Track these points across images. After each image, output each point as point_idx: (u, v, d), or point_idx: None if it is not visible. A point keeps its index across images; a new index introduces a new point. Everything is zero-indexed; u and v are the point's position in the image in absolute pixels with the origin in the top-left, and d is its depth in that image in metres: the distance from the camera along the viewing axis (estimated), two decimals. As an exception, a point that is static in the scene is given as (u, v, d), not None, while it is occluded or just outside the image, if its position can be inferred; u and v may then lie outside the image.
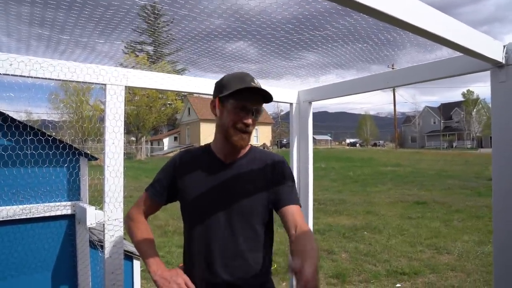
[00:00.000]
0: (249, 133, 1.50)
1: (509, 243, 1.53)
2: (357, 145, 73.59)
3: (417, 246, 6.61)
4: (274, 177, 1.56)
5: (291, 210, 1.50)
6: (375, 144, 73.21)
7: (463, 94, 59.53)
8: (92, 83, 1.91)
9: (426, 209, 10.19)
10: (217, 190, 1.53)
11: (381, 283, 4.92)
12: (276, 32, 1.47)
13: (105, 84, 1.93)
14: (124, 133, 2.05)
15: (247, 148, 1.63)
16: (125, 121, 2.02)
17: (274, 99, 2.58)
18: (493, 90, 1.59)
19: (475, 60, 1.59)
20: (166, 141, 48.19)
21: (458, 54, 1.66)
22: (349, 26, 1.43)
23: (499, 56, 1.51)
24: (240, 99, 1.44)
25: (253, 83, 1.44)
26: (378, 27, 1.60)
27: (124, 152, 2.00)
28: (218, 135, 1.58)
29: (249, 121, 1.46)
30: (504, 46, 1.54)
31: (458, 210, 9.78)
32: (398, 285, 4.84)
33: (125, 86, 1.99)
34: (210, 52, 1.99)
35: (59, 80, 1.81)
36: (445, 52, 1.82)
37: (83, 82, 1.86)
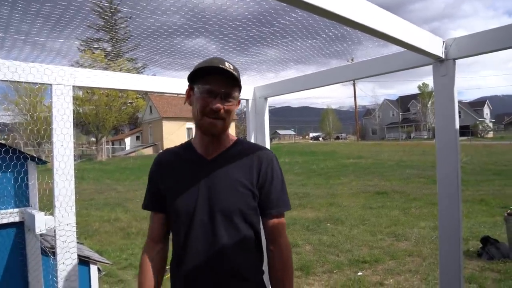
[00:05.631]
0: (222, 119, 1.38)
1: (452, 227, 1.62)
2: (320, 138, 75.04)
3: (377, 234, 6.86)
4: (261, 176, 1.45)
5: (272, 222, 1.48)
6: (337, 137, 75.00)
7: (419, 87, 62.03)
8: (36, 83, 1.82)
9: (386, 198, 10.59)
10: (199, 188, 1.42)
11: (343, 272, 5.06)
12: (223, 29, 1.46)
13: (51, 84, 1.85)
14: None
15: (232, 140, 1.52)
16: (74, 122, 1.94)
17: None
18: (435, 83, 1.67)
19: (420, 55, 1.66)
20: (128, 140, 46.97)
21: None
22: (296, 22, 1.45)
23: (439, 51, 1.59)
24: (206, 83, 1.35)
25: (221, 66, 1.33)
26: (332, 23, 1.63)
27: (76, 154, 1.92)
28: (196, 129, 1.48)
29: (217, 105, 1.33)
30: (443, 42, 1.61)
31: (416, 198, 10.24)
32: (359, 273, 4.99)
33: (73, 86, 1.92)
34: (161, 48, 1.95)
35: (-1, 80, 1.71)
36: (397, 48, 1.88)
37: (25, 82, 1.76)
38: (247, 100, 2.62)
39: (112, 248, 6.64)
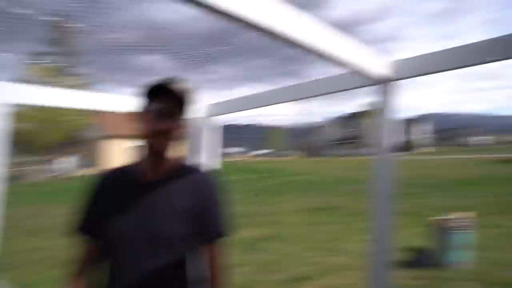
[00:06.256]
0: (164, 140, 1.35)
1: (381, 239, 1.74)
2: (267, 156, 75.93)
3: (318, 250, 6.98)
4: (199, 201, 1.41)
5: (208, 248, 1.46)
6: (283, 155, 76.42)
7: (362, 105, 65.36)
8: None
9: (328, 214, 10.95)
10: (135, 212, 1.35)
11: (284, 291, 5.05)
12: (177, 47, 1.47)
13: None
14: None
15: (174, 163, 1.46)
16: (11, 140, 1.82)
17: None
18: (376, 103, 1.78)
19: (363, 77, 1.76)
20: (68, 160, 44.29)
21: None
22: (251, 41, 1.49)
23: (381, 73, 1.69)
24: (151, 102, 1.35)
25: (169, 85, 1.33)
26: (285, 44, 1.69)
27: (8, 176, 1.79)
28: (138, 149, 1.45)
29: (160, 126, 1.33)
30: (385, 64, 1.72)
31: (356, 213, 10.65)
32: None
33: (11, 103, 1.80)
34: (113, 65, 1.91)
35: None
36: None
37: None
38: (197, 118, 2.62)
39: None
